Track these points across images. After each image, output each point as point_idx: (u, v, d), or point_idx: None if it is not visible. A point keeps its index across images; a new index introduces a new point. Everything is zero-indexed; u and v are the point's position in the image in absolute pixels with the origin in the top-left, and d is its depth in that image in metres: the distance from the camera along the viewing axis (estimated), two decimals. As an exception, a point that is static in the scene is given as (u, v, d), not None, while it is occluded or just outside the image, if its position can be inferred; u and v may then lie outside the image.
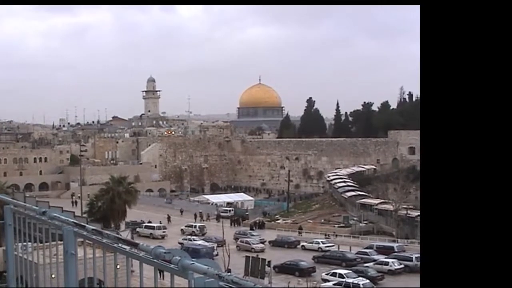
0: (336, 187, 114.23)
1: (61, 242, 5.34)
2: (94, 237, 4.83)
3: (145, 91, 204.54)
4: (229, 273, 3.50)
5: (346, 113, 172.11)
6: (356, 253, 70.21)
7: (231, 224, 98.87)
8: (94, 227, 5.04)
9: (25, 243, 6.75)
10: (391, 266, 63.65)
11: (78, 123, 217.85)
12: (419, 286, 5.29)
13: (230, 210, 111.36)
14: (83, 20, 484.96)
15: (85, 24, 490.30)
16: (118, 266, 4.59)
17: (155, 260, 3.86)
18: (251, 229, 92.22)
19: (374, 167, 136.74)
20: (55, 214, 5.56)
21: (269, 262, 64.04)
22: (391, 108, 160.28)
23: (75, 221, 5.28)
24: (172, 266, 3.72)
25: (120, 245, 4.44)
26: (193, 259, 3.66)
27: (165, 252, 3.81)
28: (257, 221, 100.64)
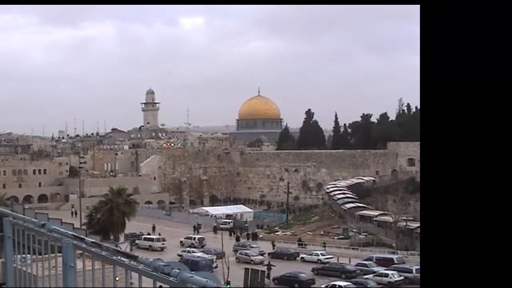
0: (335, 198, 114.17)
1: (60, 254, 5.34)
2: (93, 249, 4.83)
3: (144, 103, 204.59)
4: (228, 285, 3.51)
5: (345, 124, 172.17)
6: (356, 265, 70.14)
7: (230, 235, 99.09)
8: (93, 240, 5.04)
9: (24, 255, 6.73)
10: (390, 278, 63.57)
11: (77, 135, 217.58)
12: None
13: (229, 222, 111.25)
14: (86, 34, 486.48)
15: (88, 37, 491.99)
16: (117, 279, 4.58)
17: (154, 273, 3.85)
18: (237, 240, 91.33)
19: (373, 178, 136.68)
20: (54, 227, 5.56)
21: (268, 274, 64.04)
22: (390, 119, 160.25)
23: (74, 233, 5.28)
24: (171, 279, 3.71)
25: (119, 257, 4.43)
26: (192, 272, 3.66)
27: (164, 265, 3.80)
28: (249, 233, 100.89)
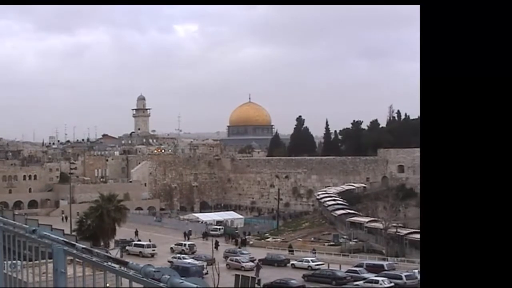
0: (326, 205, 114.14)
1: (51, 260, 5.34)
2: (84, 255, 4.84)
3: (135, 109, 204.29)
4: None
5: (335, 131, 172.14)
6: (346, 272, 70.05)
7: (226, 241, 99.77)
8: (84, 246, 5.05)
9: (14, 262, 6.73)
10: (381, 284, 63.51)
11: (68, 141, 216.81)
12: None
13: (220, 229, 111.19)
14: (80, 40, 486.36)
15: (83, 44, 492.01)
16: (107, 285, 4.59)
17: (144, 279, 3.87)
18: (216, 247, 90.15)
19: (363, 185, 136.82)
20: (45, 233, 5.57)
21: (259, 280, 63.94)
22: (380, 126, 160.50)
23: (65, 239, 5.29)
24: (161, 284, 3.73)
25: (109, 263, 4.45)
26: (182, 278, 3.68)
27: (154, 271, 3.82)
28: (237, 239, 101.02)
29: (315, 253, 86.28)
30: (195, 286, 3.56)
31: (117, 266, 4.33)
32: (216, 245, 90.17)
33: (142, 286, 3.92)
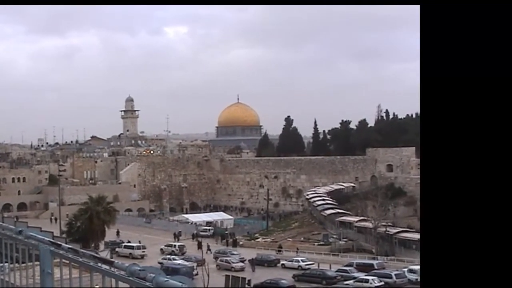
0: (315, 205, 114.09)
1: (38, 262, 5.34)
2: (70, 255, 4.85)
3: (124, 111, 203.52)
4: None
5: (324, 131, 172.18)
6: (336, 271, 70.13)
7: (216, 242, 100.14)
8: (70, 246, 5.06)
9: (1, 264, 6.72)
10: (371, 283, 63.63)
11: (57, 143, 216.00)
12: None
13: (209, 230, 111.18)
14: (72, 43, 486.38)
15: (74, 47, 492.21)
16: (96, 286, 4.60)
17: (130, 278, 3.89)
18: (199, 247, 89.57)
19: (352, 184, 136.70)
20: (31, 233, 5.57)
21: (249, 281, 63.90)
22: (368, 126, 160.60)
23: (51, 240, 5.30)
24: (147, 283, 3.75)
25: (96, 263, 4.46)
26: (168, 276, 3.71)
27: (140, 270, 3.84)
28: (228, 240, 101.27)
29: (297, 252, 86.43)
30: (180, 284, 3.59)
31: (103, 266, 4.35)
32: (199, 245, 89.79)
33: (128, 285, 3.94)
